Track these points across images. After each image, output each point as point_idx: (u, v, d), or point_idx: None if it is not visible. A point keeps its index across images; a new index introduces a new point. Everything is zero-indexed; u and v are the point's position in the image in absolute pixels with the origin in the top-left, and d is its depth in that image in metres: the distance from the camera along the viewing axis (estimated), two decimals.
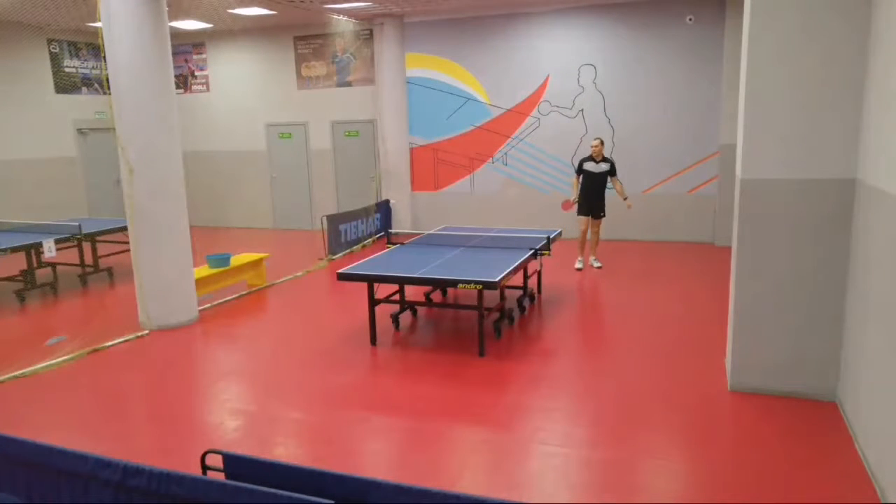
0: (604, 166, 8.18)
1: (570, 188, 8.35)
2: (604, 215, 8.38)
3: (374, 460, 4.03)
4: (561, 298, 7.31)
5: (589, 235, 8.50)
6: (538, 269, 7.35)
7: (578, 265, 8.54)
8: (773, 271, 4.45)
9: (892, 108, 3.41)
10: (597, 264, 8.60)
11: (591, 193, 8.27)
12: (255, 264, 8.17)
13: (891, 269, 3.36)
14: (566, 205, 8.29)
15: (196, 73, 12.85)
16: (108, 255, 8.92)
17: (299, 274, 8.79)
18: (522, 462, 3.90)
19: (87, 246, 8.61)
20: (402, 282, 5.89)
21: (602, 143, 8.22)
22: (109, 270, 8.72)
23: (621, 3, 9.93)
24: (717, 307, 6.44)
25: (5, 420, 4.58)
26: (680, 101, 9.92)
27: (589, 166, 8.21)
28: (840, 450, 3.86)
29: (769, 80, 4.25)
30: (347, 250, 10.11)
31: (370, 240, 10.79)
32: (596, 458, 3.89)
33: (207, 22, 11.19)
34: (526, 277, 7.00)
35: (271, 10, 10.05)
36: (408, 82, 11.35)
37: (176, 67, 12.36)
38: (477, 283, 5.31)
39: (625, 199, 8.23)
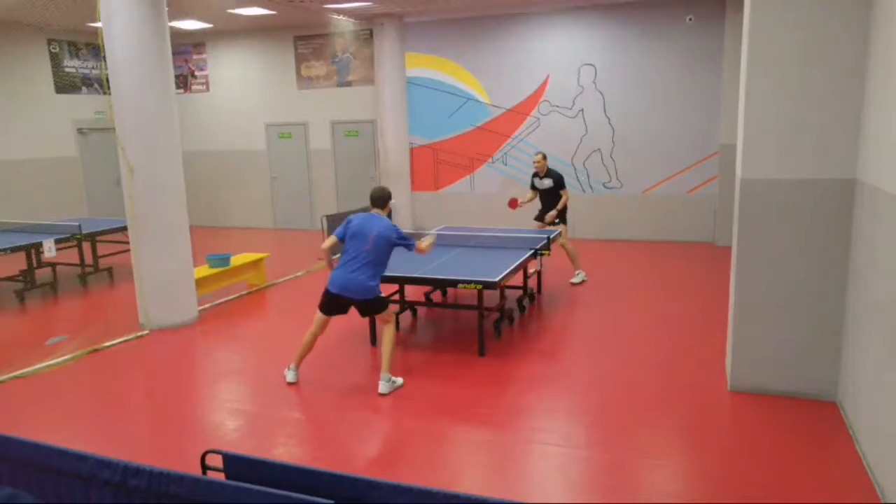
0: (547, 182, 7.74)
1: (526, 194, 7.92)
2: (558, 221, 7.71)
3: (374, 460, 4.03)
4: (561, 298, 7.31)
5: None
6: (538, 269, 7.35)
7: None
8: (773, 271, 4.45)
9: (892, 107, 3.41)
10: (577, 279, 7.91)
11: (544, 206, 7.89)
12: (255, 264, 8.17)
13: (891, 269, 3.36)
14: (512, 203, 7.75)
15: (196, 73, 12.85)
16: (108, 255, 8.92)
17: (299, 274, 8.79)
18: (522, 462, 3.90)
19: (87, 246, 8.60)
20: (402, 282, 5.89)
21: (544, 156, 7.77)
22: (109, 270, 8.72)
23: (621, 3, 9.93)
24: (717, 307, 6.44)
25: (5, 420, 4.58)
26: (680, 101, 9.91)
27: (535, 182, 7.86)
28: (840, 450, 3.86)
29: (769, 80, 4.25)
30: None
31: None
32: (596, 458, 3.89)
33: (207, 22, 11.19)
34: (526, 277, 6.99)
35: (271, 10, 10.05)
36: (408, 82, 11.36)
37: (176, 67, 12.36)
38: (477, 283, 5.31)
39: (554, 213, 7.63)
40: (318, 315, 4.97)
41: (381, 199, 5.05)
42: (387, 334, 4.96)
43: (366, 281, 4.81)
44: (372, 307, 4.95)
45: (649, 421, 4.33)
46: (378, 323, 5.32)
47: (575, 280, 7.94)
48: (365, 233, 4.88)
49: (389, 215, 5.09)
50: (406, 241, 4.94)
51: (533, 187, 7.92)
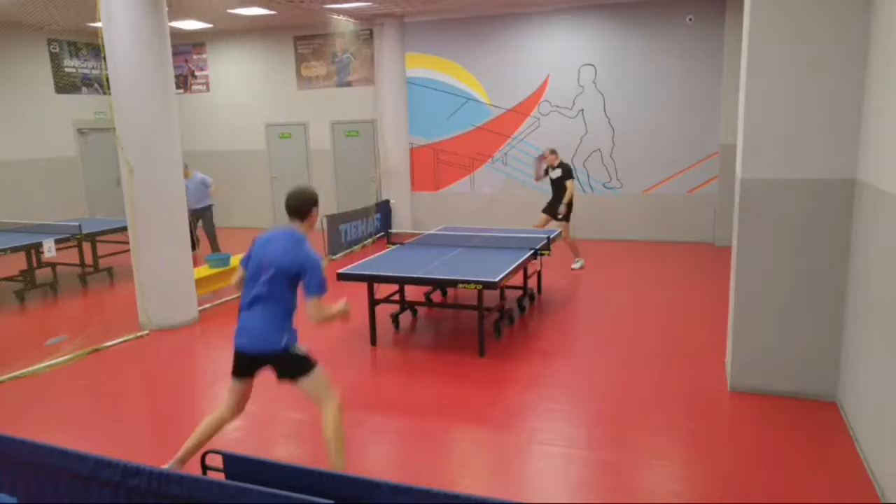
0: (557, 172, 8.41)
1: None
2: (560, 217, 8.32)
3: (374, 460, 4.03)
4: (561, 298, 7.31)
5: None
6: (538, 269, 7.35)
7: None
8: (773, 271, 4.45)
9: (892, 107, 3.41)
10: (577, 265, 8.60)
11: (553, 196, 8.55)
12: None
13: (891, 269, 3.36)
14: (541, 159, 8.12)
15: (196, 73, 12.85)
16: (108, 255, 8.92)
17: None
18: (522, 462, 3.90)
19: (87, 246, 8.60)
20: (402, 282, 5.90)
21: (552, 151, 8.45)
22: (109, 270, 8.72)
23: (621, 3, 9.93)
24: (717, 307, 6.44)
25: (5, 420, 4.58)
26: (680, 101, 9.91)
27: (550, 172, 8.53)
28: (840, 450, 3.86)
29: (769, 80, 4.25)
30: (347, 250, 10.11)
31: (370, 240, 10.79)
32: (596, 458, 3.89)
33: (207, 22, 11.19)
34: (526, 277, 6.99)
35: (271, 10, 10.04)
36: (408, 82, 11.35)
37: (176, 67, 12.35)
38: (477, 283, 5.31)
39: (561, 205, 8.26)
40: (230, 383, 3.55)
41: (297, 208, 3.49)
42: (328, 419, 3.48)
43: (263, 327, 3.40)
44: (285, 366, 3.47)
45: (649, 421, 4.33)
46: (312, 401, 3.65)
47: (575, 266, 8.58)
48: (262, 259, 3.47)
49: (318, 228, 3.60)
50: (309, 276, 3.37)
51: (547, 176, 8.61)
